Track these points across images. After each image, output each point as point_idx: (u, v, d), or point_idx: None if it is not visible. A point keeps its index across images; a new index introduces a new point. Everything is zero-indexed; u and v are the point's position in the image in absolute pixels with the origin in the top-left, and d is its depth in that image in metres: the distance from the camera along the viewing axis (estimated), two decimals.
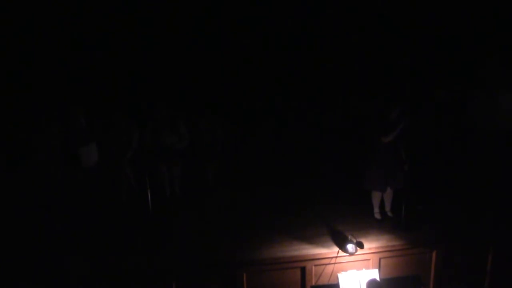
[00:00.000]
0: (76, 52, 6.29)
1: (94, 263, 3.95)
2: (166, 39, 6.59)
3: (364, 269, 3.93)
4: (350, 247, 3.97)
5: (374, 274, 3.88)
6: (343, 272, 3.89)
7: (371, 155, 4.65)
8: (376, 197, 4.80)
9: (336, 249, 4.08)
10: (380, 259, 4.15)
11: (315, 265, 4.05)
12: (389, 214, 4.83)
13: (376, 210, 4.82)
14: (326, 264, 4.05)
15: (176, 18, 6.55)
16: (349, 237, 4.08)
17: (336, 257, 4.02)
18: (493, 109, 6.05)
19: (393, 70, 6.76)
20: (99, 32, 6.30)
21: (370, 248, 4.10)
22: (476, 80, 6.37)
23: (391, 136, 4.46)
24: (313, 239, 4.30)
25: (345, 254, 4.02)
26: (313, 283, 4.06)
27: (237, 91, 6.78)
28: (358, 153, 5.05)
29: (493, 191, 5.14)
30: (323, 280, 4.05)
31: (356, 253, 4.01)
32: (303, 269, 4.05)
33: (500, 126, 5.91)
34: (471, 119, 6.08)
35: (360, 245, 4.02)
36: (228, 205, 5.27)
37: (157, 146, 5.27)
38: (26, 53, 6.13)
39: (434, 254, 4.22)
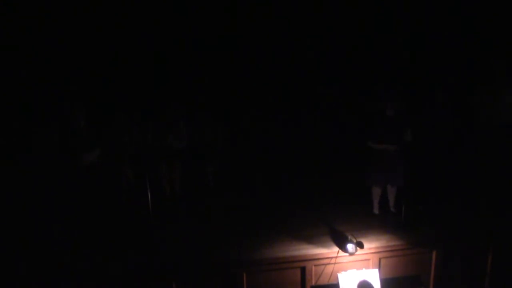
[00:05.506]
0: (76, 52, 6.28)
1: (94, 263, 3.95)
2: (166, 39, 6.59)
3: (364, 269, 3.93)
4: (350, 247, 3.97)
5: (374, 274, 3.88)
6: (343, 272, 3.88)
7: (372, 151, 4.66)
8: (375, 194, 4.81)
9: (336, 249, 4.08)
10: (380, 259, 4.15)
11: (315, 265, 4.06)
12: (392, 209, 4.84)
13: (375, 205, 4.84)
14: (326, 264, 4.05)
15: (176, 17, 6.54)
16: (349, 237, 4.08)
17: (336, 257, 4.02)
18: (496, 106, 6.04)
19: (394, 69, 6.76)
20: (99, 31, 6.30)
21: (370, 248, 4.10)
22: (479, 78, 6.36)
23: (380, 147, 4.50)
24: (313, 239, 4.30)
25: (345, 254, 4.02)
26: (313, 283, 4.06)
27: (238, 91, 6.78)
28: (359, 150, 5.04)
29: (493, 191, 5.14)
30: (323, 280, 4.06)
31: (356, 253, 4.01)
32: (303, 269, 4.05)
33: (502, 123, 5.91)
34: (472, 117, 6.09)
35: (360, 245, 4.02)
36: (228, 205, 5.27)
37: (158, 145, 5.26)
38: (26, 52, 6.12)
39: (434, 254, 4.22)
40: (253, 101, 6.81)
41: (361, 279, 3.75)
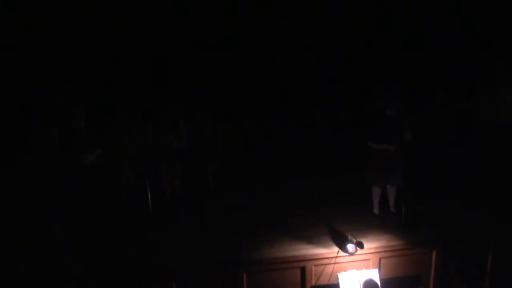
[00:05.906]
0: (76, 52, 6.28)
1: (94, 263, 3.95)
2: (166, 39, 6.59)
3: (364, 269, 3.94)
4: (350, 247, 3.96)
5: (374, 274, 3.88)
6: (343, 272, 3.89)
7: (372, 151, 4.67)
8: (375, 194, 4.82)
9: (336, 249, 4.08)
10: (380, 259, 4.15)
11: (315, 265, 4.05)
12: (392, 209, 4.85)
13: (375, 205, 4.84)
14: (326, 264, 4.05)
15: (176, 17, 6.54)
16: (349, 237, 4.08)
17: (336, 257, 4.02)
18: (496, 106, 6.05)
19: (394, 69, 6.76)
20: (99, 31, 6.30)
21: (370, 248, 4.09)
22: (479, 78, 6.37)
23: (380, 147, 4.50)
24: (313, 239, 4.29)
25: (345, 254, 4.02)
26: (313, 283, 4.06)
27: (238, 91, 6.78)
28: (359, 150, 5.05)
29: (493, 191, 5.14)
30: (323, 280, 4.05)
31: (356, 253, 4.01)
32: (303, 269, 4.05)
33: (502, 123, 5.92)
34: (472, 117, 6.09)
35: (360, 245, 4.02)
36: (228, 205, 5.27)
37: (158, 145, 5.26)
38: (26, 52, 6.12)
39: (434, 254, 4.22)
40: (253, 101, 6.81)
41: (367, 278, 3.75)
